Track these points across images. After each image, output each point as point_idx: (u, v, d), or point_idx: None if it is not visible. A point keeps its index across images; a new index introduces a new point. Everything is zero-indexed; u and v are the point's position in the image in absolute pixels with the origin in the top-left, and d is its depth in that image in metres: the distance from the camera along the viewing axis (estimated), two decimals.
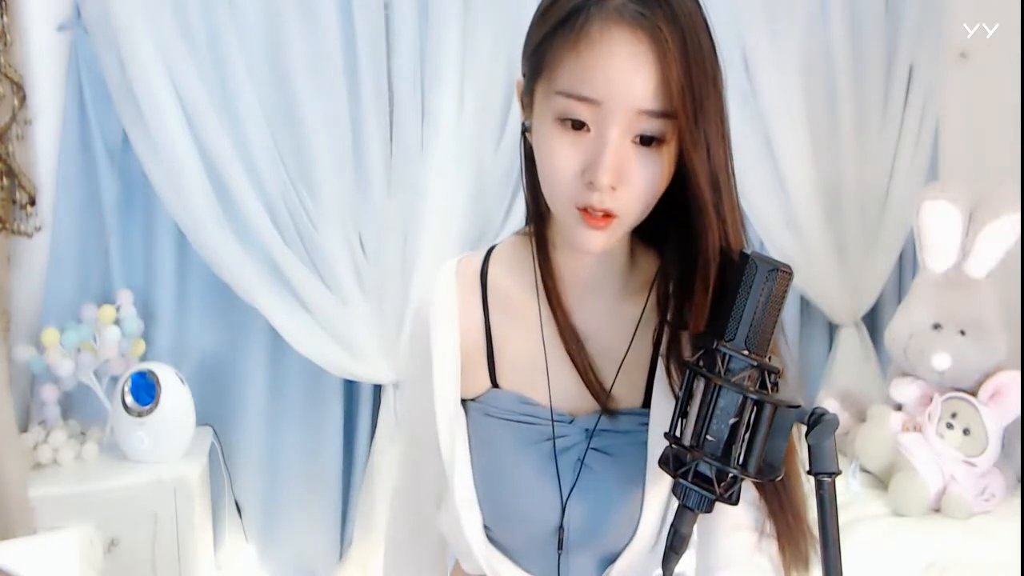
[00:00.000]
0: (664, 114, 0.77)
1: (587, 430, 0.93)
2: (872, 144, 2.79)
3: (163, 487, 2.11)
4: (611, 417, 0.93)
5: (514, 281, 0.96)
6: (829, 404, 2.40)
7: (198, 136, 2.27)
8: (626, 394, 0.94)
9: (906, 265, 2.89)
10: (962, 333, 2.24)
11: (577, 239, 0.83)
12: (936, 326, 2.28)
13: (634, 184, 0.79)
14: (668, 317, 0.89)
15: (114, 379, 2.26)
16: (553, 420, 0.93)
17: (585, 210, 0.80)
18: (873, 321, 2.88)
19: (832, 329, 2.88)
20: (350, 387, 2.57)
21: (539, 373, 0.93)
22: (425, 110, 2.44)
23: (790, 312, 2.81)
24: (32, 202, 2.25)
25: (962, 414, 2.16)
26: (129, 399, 2.15)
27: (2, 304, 2.20)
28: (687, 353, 0.87)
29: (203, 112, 2.26)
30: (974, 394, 2.20)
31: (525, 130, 0.89)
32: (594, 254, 0.85)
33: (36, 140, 2.26)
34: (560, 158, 0.80)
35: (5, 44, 2.16)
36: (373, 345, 2.43)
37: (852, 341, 2.80)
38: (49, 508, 1.95)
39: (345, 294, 2.41)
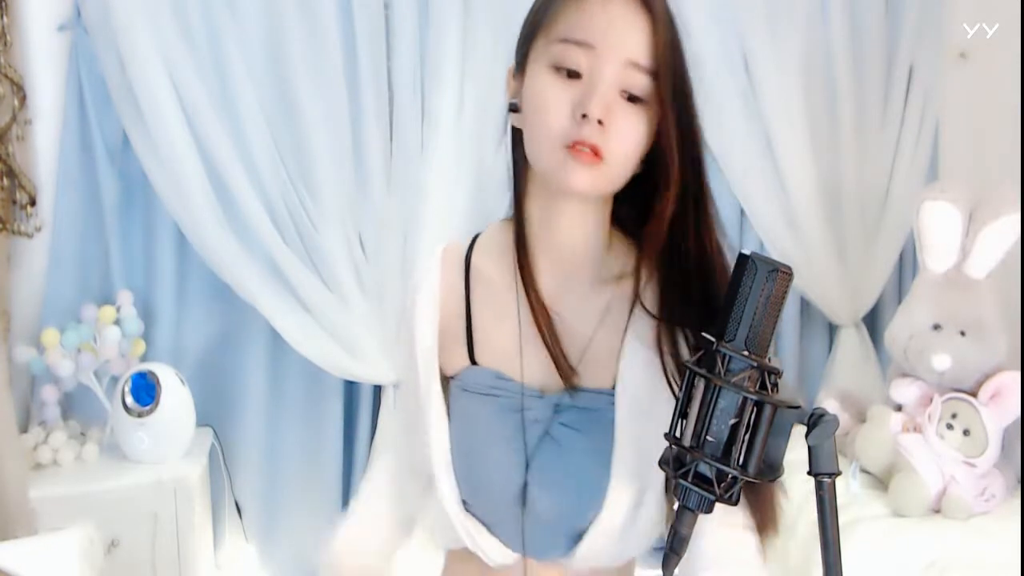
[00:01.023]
0: (650, 71, 0.86)
1: (556, 405, 0.96)
2: (872, 144, 2.78)
3: (163, 487, 2.11)
4: (580, 395, 0.95)
5: (495, 263, 1.00)
6: (829, 404, 2.40)
7: (198, 136, 2.27)
8: (597, 375, 0.96)
9: (906, 265, 2.88)
10: (962, 334, 2.24)
11: (565, 179, 0.87)
12: (936, 326, 2.27)
13: (620, 129, 0.86)
14: (658, 313, 0.93)
15: (114, 379, 2.26)
16: (524, 394, 0.96)
17: (574, 146, 0.85)
18: (873, 321, 2.88)
19: (832, 329, 2.88)
20: (350, 387, 2.57)
21: (514, 351, 0.97)
22: (425, 110, 2.44)
23: (790, 312, 2.80)
24: (32, 202, 2.25)
25: (962, 415, 2.16)
26: (129, 399, 2.15)
27: (2, 304, 2.20)
28: (669, 343, 0.91)
29: (203, 112, 2.27)
30: (974, 395, 2.20)
31: (512, 110, 0.94)
32: (581, 193, 0.89)
33: (36, 140, 2.27)
34: (553, 100, 0.86)
35: (5, 44, 2.16)
36: (373, 345, 2.43)
37: (852, 341, 2.80)
38: (49, 508, 1.94)
39: (345, 294, 2.41)
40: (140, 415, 2.14)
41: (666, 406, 0.83)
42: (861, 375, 2.74)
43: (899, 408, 2.32)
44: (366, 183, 2.42)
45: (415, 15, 2.40)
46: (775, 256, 0.80)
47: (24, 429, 2.22)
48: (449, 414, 0.99)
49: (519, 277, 0.96)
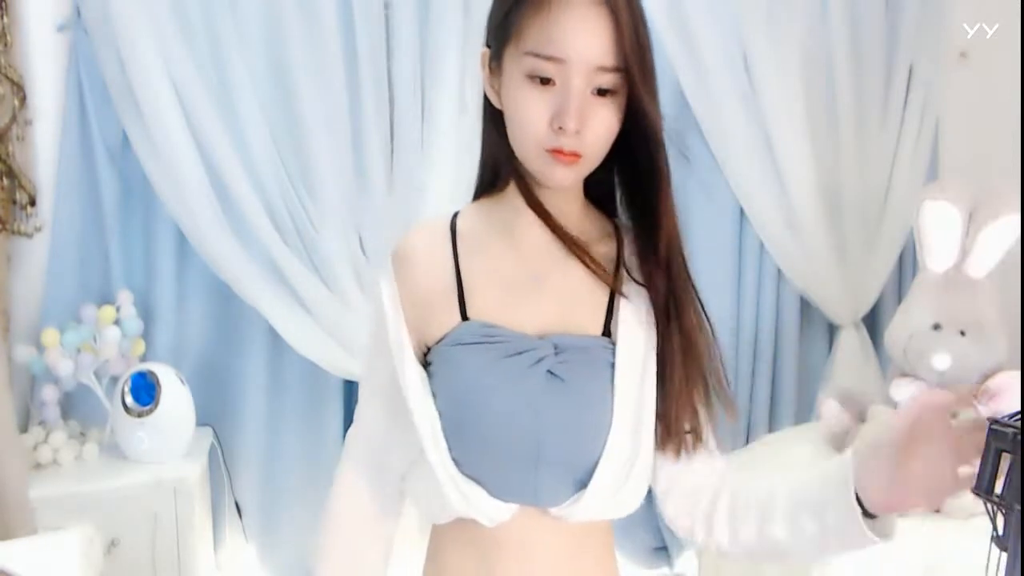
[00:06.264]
0: (617, 69, 0.92)
1: (556, 345, 0.98)
2: (872, 144, 2.79)
3: (163, 487, 2.11)
4: (575, 338, 1.00)
5: (486, 226, 1.05)
6: (829, 404, 2.40)
7: (198, 136, 2.27)
8: (586, 322, 1.02)
9: (906, 265, 2.88)
10: (962, 333, 2.24)
11: (549, 176, 0.96)
12: (936, 326, 2.27)
13: (595, 128, 0.93)
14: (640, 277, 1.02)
15: (114, 379, 2.26)
16: (529, 338, 0.99)
17: (555, 151, 0.93)
18: (873, 321, 2.88)
19: (832, 329, 2.88)
20: (350, 387, 2.57)
21: (509, 301, 1.01)
22: (425, 110, 2.44)
23: (790, 312, 2.81)
24: (32, 202, 2.25)
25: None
26: (129, 399, 2.15)
27: (2, 304, 2.20)
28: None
29: (203, 112, 2.27)
30: (974, 395, 2.20)
31: (487, 100, 1.01)
32: (563, 188, 0.98)
33: (36, 140, 2.27)
34: (532, 110, 0.93)
35: (5, 44, 2.16)
36: None
37: (852, 341, 2.80)
38: (49, 508, 1.94)
39: (345, 294, 2.41)
40: (140, 415, 2.14)
41: (652, 357, 0.99)
42: (861, 375, 2.74)
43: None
44: (366, 183, 2.42)
45: (415, 15, 2.40)
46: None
47: (24, 429, 2.22)
48: (434, 380, 1.01)
49: (531, 227, 1.02)
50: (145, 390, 2.16)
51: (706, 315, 1.03)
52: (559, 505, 0.98)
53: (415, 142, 2.43)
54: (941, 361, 2.20)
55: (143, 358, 2.33)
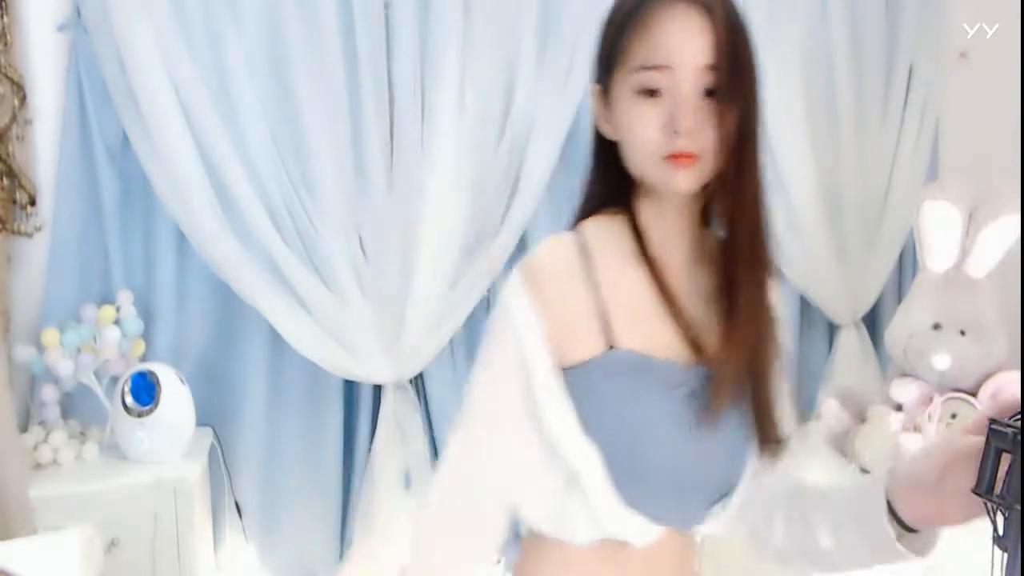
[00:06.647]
0: (716, 68, 0.93)
1: (707, 376, 0.99)
2: (872, 144, 2.79)
3: (163, 487, 2.11)
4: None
5: (615, 247, 1.04)
6: (829, 404, 2.41)
7: (198, 136, 2.27)
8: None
9: (906, 265, 2.88)
10: (962, 333, 2.24)
11: (669, 183, 0.96)
12: (936, 326, 2.28)
13: (708, 128, 0.94)
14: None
15: (114, 379, 2.26)
16: (679, 368, 0.99)
17: (672, 156, 0.94)
18: (873, 321, 2.88)
19: (832, 329, 2.88)
20: (350, 387, 2.57)
21: (650, 326, 1.00)
22: (425, 110, 2.44)
23: (790, 312, 2.81)
24: (32, 202, 2.25)
25: (962, 414, 2.16)
26: (129, 399, 2.15)
27: (2, 304, 2.20)
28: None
29: (203, 112, 2.27)
30: (974, 394, 2.20)
31: (598, 135, 1.04)
32: (685, 193, 0.98)
33: (36, 140, 2.26)
34: (644, 120, 0.95)
35: (5, 44, 2.16)
36: (373, 345, 2.43)
37: (852, 341, 2.80)
38: (49, 508, 1.94)
39: (345, 294, 2.41)
40: (140, 415, 2.14)
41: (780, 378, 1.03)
42: (861, 375, 2.74)
43: (899, 408, 2.32)
44: (366, 183, 2.42)
45: (415, 15, 2.40)
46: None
47: (24, 429, 2.22)
48: (579, 407, 0.98)
49: (643, 264, 1.02)
50: (145, 390, 2.16)
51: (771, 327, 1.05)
52: (694, 526, 1.03)
53: (415, 142, 2.43)
54: (941, 361, 2.20)
55: (143, 358, 2.33)
